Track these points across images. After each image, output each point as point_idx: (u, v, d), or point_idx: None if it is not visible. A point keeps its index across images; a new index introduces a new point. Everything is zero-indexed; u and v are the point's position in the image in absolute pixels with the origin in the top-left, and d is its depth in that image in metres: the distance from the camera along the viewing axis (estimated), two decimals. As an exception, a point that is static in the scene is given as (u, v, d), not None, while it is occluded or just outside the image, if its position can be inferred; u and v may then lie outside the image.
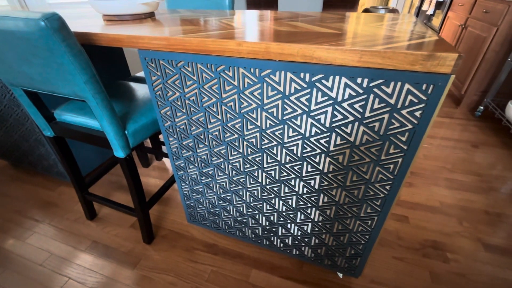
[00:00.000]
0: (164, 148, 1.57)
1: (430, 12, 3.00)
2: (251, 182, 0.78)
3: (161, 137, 1.73)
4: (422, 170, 1.41)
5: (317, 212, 0.74)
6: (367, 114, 0.52)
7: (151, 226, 1.06)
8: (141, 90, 0.99)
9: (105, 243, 1.07)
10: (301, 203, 0.75)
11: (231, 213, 0.91)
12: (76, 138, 0.88)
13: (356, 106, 0.52)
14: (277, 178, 0.73)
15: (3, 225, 1.16)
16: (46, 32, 0.55)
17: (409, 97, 0.48)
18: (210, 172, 0.82)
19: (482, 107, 1.84)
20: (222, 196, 0.87)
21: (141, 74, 1.27)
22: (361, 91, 0.50)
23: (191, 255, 1.01)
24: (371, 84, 0.49)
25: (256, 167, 0.73)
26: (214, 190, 0.87)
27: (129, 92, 0.97)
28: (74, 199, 1.28)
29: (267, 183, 0.75)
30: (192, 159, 0.82)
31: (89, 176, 1.40)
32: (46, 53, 0.60)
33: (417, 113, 0.49)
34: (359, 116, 0.53)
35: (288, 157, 0.66)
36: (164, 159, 1.55)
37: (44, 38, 0.57)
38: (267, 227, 0.88)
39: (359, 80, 0.49)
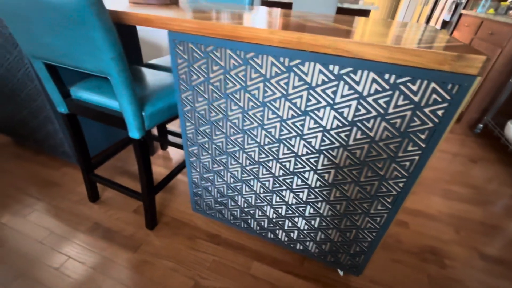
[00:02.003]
0: (170, 138, 1.57)
1: (435, 30, 3.07)
2: (264, 172, 0.79)
3: (168, 126, 1.73)
4: (423, 179, 1.44)
5: (327, 206, 0.76)
6: (390, 110, 0.54)
7: (155, 212, 1.06)
8: (156, 76, 0.99)
9: (107, 225, 1.06)
10: (312, 196, 0.76)
11: (239, 203, 0.92)
12: (90, 117, 0.88)
13: (381, 101, 0.54)
14: (291, 170, 0.74)
15: (3, 201, 1.14)
16: (83, 4, 0.56)
17: (434, 95, 0.50)
18: (223, 160, 0.83)
19: (481, 125, 1.89)
20: (232, 185, 0.88)
21: (154, 61, 1.27)
22: (387, 87, 0.52)
23: (193, 244, 1.01)
24: (398, 81, 0.51)
25: (271, 158, 0.74)
26: (225, 179, 0.88)
27: (145, 77, 0.97)
28: (77, 181, 1.27)
29: (280, 174, 0.76)
30: (206, 145, 0.83)
31: (94, 159, 1.39)
32: (77, 26, 0.61)
33: (439, 112, 0.51)
34: (382, 112, 0.55)
35: (305, 149, 0.68)
36: (169, 149, 1.55)
37: (80, 10, 0.57)
38: (274, 220, 0.89)
39: (386, 76, 0.51)
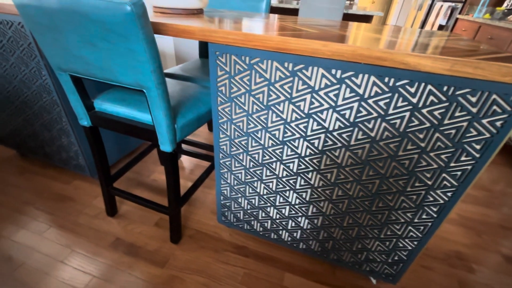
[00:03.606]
0: (184, 146, 1.54)
1: (432, 34, 3.15)
2: (302, 183, 0.78)
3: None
4: (437, 183, 1.45)
5: (368, 216, 0.75)
6: (445, 121, 0.54)
7: (181, 225, 1.03)
8: (178, 86, 0.97)
9: (129, 241, 1.03)
10: (353, 207, 0.75)
11: (271, 215, 0.90)
12: (115, 129, 0.85)
13: (436, 113, 0.54)
14: (332, 180, 0.73)
15: (15, 217, 1.09)
16: (130, 17, 0.54)
17: (494, 107, 0.50)
18: (257, 172, 0.82)
19: (485, 127, 1.94)
20: (265, 196, 0.86)
21: (169, 70, 1.24)
22: (444, 99, 0.52)
23: (221, 257, 0.99)
24: (457, 92, 0.51)
25: (311, 169, 0.73)
26: (258, 190, 0.86)
27: (168, 87, 0.95)
28: (91, 194, 1.23)
29: (320, 185, 0.76)
30: (241, 157, 0.81)
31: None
32: (118, 38, 0.59)
33: (498, 123, 0.51)
34: (436, 123, 0.55)
35: (350, 160, 0.67)
36: (182, 158, 1.52)
37: (125, 23, 0.55)
38: (308, 231, 0.88)
39: (445, 88, 0.51)
